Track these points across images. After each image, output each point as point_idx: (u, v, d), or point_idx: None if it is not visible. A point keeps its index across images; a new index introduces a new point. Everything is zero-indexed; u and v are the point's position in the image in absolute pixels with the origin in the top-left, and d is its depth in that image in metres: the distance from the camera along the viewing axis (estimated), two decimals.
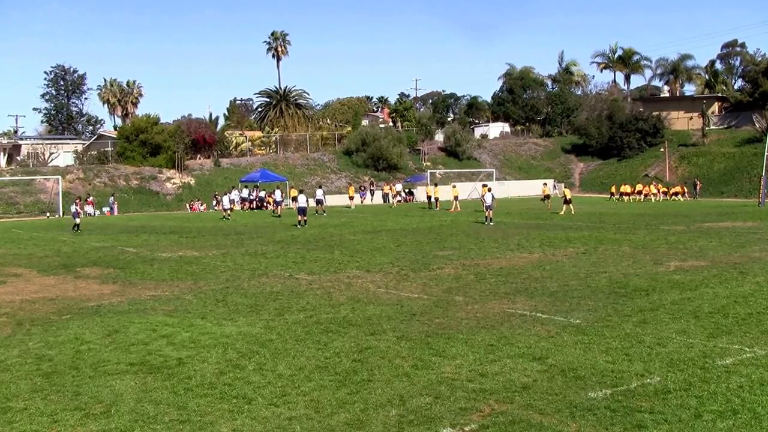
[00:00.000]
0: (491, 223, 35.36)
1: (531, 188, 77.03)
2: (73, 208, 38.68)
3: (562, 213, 42.46)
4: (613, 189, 67.39)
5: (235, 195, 51.49)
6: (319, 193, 49.28)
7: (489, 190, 38.47)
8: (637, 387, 9.02)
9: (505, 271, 19.15)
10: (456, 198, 51.98)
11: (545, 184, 58.96)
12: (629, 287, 16.20)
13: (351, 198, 58.24)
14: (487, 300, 15.08)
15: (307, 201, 38.78)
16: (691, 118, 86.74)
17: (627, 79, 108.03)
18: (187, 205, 61.86)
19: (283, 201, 50.96)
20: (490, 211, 36.57)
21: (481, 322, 12.86)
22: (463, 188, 61.95)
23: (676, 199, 63.47)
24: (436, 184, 57.67)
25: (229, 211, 46.88)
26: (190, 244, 28.70)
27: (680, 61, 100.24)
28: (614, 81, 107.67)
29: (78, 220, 37.48)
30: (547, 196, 47.51)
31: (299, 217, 37.25)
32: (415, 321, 13.12)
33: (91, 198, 57.31)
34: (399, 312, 13.98)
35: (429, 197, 55.75)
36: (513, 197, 70.92)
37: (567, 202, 43.97)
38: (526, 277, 18.07)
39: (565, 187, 46.40)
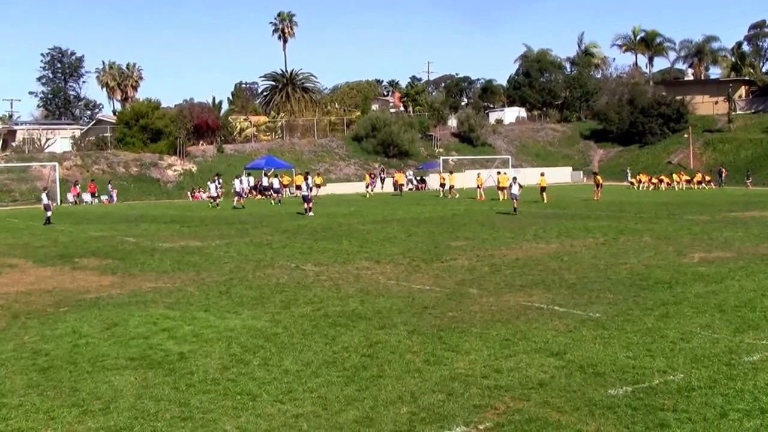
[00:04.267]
0: (515, 213, 34.92)
1: (548, 176, 76.54)
2: (44, 199, 36.02)
3: (546, 202, 42.58)
4: (636, 178, 66.87)
5: (237, 183, 50.90)
6: (265, 180, 49.43)
7: (515, 179, 38.24)
8: (659, 384, 8.98)
9: (521, 263, 19.10)
10: (480, 186, 51.87)
11: (596, 174, 57.74)
12: (651, 279, 16.13)
13: (401, 185, 59.06)
14: (503, 292, 15.05)
15: (309, 189, 38.84)
16: (716, 103, 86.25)
17: (649, 61, 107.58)
18: (189, 193, 61.98)
19: (281, 189, 50.88)
20: (515, 201, 36.31)
21: (496, 316, 12.84)
22: (472, 176, 61.74)
23: (702, 187, 63.07)
24: (451, 172, 57.44)
25: (218, 200, 46.42)
26: (192, 233, 28.75)
27: (705, 43, 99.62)
28: (636, 64, 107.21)
29: (49, 213, 35.11)
30: (599, 185, 47.32)
31: (305, 205, 37.37)
32: (427, 314, 13.11)
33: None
34: (410, 305, 13.96)
35: (443, 184, 55.65)
36: (530, 185, 70.60)
37: (542, 190, 44.18)
38: (543, 269, 18.02)
39: (541, 175, 46.25)
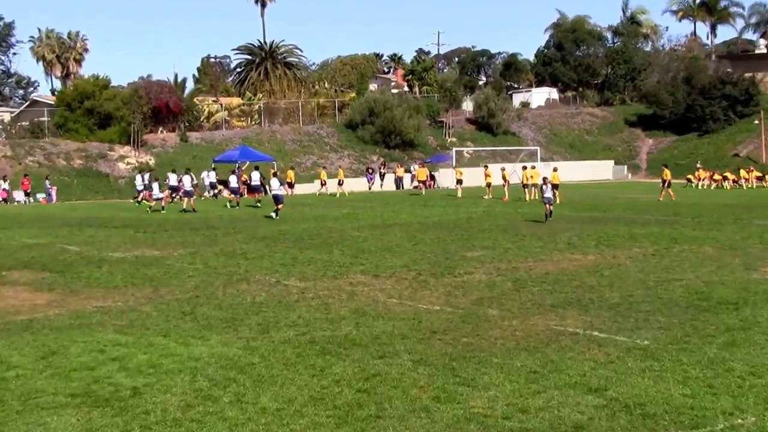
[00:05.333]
0: (550, 218, 33.88)
1: (586, 171, 76.62)
2: None
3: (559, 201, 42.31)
4: (692, 174, 66.25)
5: (186, 179, 49.35)
6: (255, 176, 49.62)
7: (546, 180, 36.82)
8: (724, 429, 8.96)
9: (551, 278, 19.10)
10: (507, 183, 51.62)
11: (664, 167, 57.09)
12: (713, 299, 16.12)
13: (422, 182, 60.88)
14: (529, 314, 15.04)
15: (281, 186, 38.79)
16: None
17: (711, 30, 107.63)
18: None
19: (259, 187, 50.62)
20: (549, 205, 34.72)
21: (521, 343, 12.82)
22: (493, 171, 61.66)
23: None
24: (486, 166, 56.89)
25: (161, 202, 45.48)
26: (149, 240, 28.74)
27: None
28: (694, 33, 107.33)
29: None
30: (667, 183, 47.02)
31: (278, 206, 37.20)
32: (437, 340, 13.10)
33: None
34: (416, 329, 13.95)
35: (459, 181, 55.62)
36: (562, 183, 70.67)
37: (554, 188, 43.74)
38: (578, 285, 18.02)
39: (554, 170, 44.93)
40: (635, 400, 9.93)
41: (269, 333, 13.89)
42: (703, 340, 12.83)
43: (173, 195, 49.44)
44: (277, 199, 37.92)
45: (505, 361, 11.75)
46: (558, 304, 16.02)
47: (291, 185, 58.60)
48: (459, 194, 53.78)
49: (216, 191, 56.83)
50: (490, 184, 52.55)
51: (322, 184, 58.35)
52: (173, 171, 52.95)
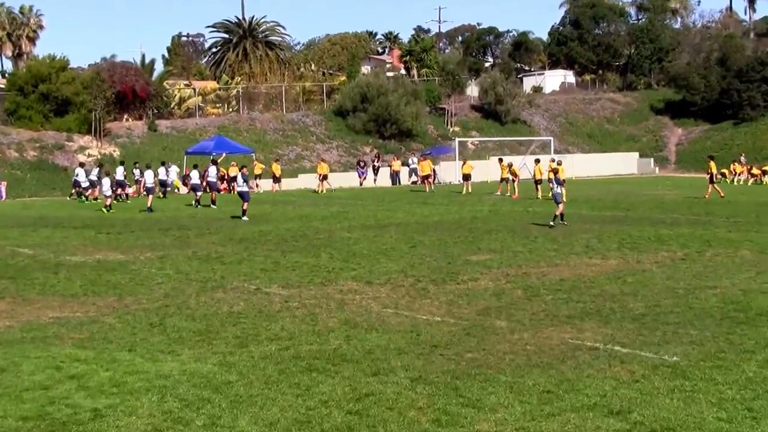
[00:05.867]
0: (563, 222, 32.21)
1: (607, 164, 76.54)
2: None
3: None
4: (729, 168, 65.95)
5: (146, 173, 48.77)
6: (162, 172, 49.60)
7: (556, 173, 34.60)
8: None
9: (567, 285, 19.11)
10: (516, 179, 51.66)
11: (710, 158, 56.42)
12: (751, 310, 16.11)
13: (426, 177, 59.85)
14: (542, 326, 15.03)
15: (246, 182, 38.78)
16: None
17: (750, 4, 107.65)
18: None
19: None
20: (561, 206, 32.42)
21: (533, 359, 12.81)
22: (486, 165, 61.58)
23: None
24: (500, 159, 56.83)
25: (109, 201, 44.99)
26: (112, 242, 28.71)
27: None
28: (730, 8, 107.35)
29: None
30: (711, 177, 46.83)
31: (244, 205, 37.02)
32: (438, 356, 13.08)
33: None
34: (414, 342, 13.94)
35: (466, 176, 55.63)
36: (580, 178, 70.76)
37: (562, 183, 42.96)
38: (598, 294, 18.02)
39: (558, 164, 42.34)
40: (663, 424, 9.90)
41: (248, 347, 13.85)
42: (741, 356, 12.81)
43: (118, 192, 49.43)
44: (242, 197, 37.66)
45: (514, 380, 11.72)
46: (575, 314, 16.01)
47: (277, 179, 58.70)
48: (466, 190, 53.73)
49: (165, 189, 55.28)
50: (505, 179, 52.51)
51: (322, 179, 57.89)
52: (122, 163, 53.04)
